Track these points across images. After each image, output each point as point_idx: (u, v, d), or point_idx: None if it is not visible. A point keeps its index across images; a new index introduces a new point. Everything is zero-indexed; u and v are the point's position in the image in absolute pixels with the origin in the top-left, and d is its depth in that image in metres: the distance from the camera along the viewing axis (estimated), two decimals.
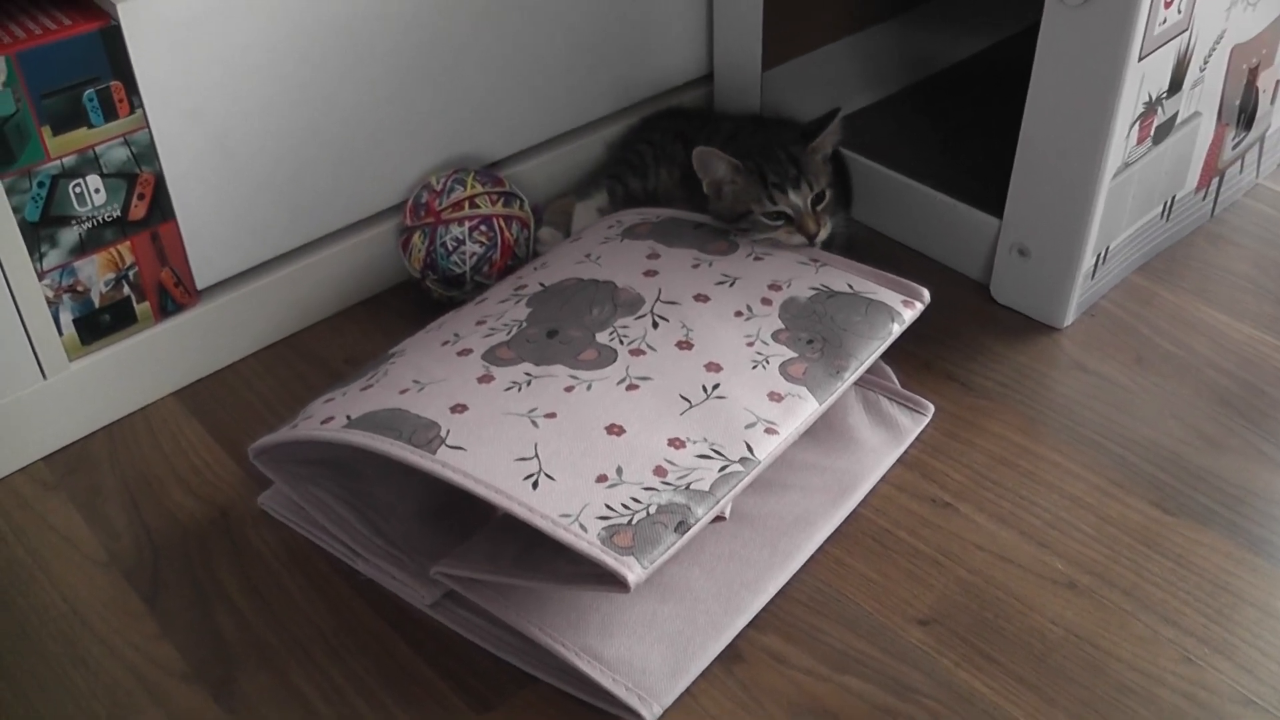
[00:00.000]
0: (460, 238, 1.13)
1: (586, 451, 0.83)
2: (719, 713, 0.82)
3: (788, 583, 0.91)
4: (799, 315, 0.98)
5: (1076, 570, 0.92)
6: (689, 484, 0.81)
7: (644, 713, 0.79)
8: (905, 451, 1.03)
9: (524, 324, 0.96)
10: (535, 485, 0.80)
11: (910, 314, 1.01)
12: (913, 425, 1.05)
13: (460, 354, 0.94)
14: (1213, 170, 1.29)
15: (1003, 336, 1.17)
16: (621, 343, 0.93)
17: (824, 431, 1.02)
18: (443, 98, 1.18)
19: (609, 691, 0.80)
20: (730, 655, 0.86)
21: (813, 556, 0.93)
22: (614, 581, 0.75)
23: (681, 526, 0.78)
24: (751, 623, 0.88)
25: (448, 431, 0.84)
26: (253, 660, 0.86)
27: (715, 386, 0.90)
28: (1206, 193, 1.31)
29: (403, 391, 0.89)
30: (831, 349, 0.95)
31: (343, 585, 0.92)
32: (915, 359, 1.12)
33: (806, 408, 0.90)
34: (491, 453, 0.82)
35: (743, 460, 0.84)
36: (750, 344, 0.94)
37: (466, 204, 1.14)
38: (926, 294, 1.03)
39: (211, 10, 0.99)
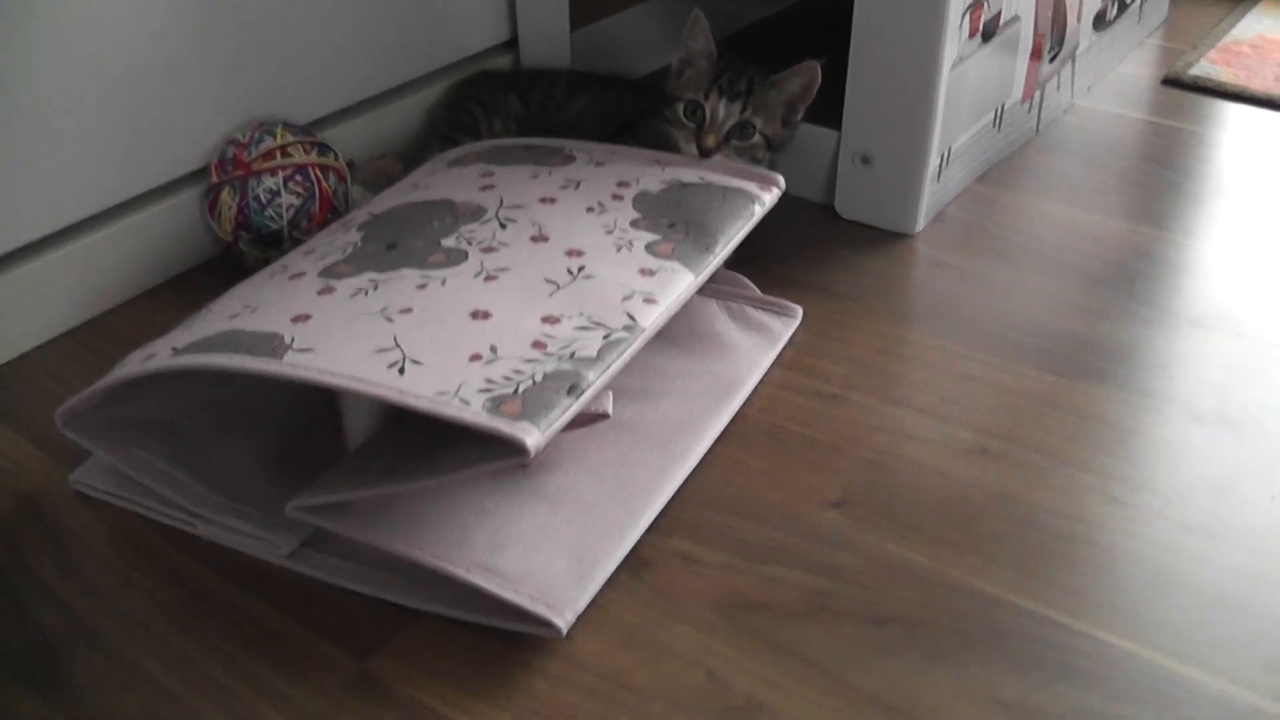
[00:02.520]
0: (274, 189, 1.03)
1: (454, 338, 0.73)
2: (637, 621, 0.73)
3: (684, 485, 0.83)
4: (654, 206, 0.92)
5: (984, 437, 0.87)
6: (573, 353, 0.73)
7: (555, 620, 0.69)
8: (780, 353, 0.97)
9: (359, 244, 0.86)
10: (402, 371, 0.70)
11: (769, 197, 0.95)
12: (783, 328, 0.99)
13: (293, 278, 0.83)
14: (1034, 82, 1.30)
15: (857, 247, 1.14)
16: (470, 244, 0.84)
17: (692, 340, 0.95)
18: (245, 54, 1.08)
19: (512, 604, 0.70)
20: (636, 562, 0.77)
21: (705, 458, 0.86)
22: (509, 452, 0.66)
23: (574, 390, 0.69)
24: (653, 528, 0.79)
25: (292, 339, 0.74)
26: (82, 647, 0.72)
27: (581, 269, 0.82)
28: (1031, 105, 1.32)
29: (233, 317, 0.78)
30: (696, 230, 0.88)
31: (180, 554, 0.79)
32: (773, 274, 1.07)
33: (682, 279, 0.83)
34: (346, 349, 0.72)
35: (626, 328, 0.76)
36: (609, 232, 0.87)
37: (278, 153, 1.04)
38: (781, 180, 0.98)
39: None
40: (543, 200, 0.91)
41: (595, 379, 0.71)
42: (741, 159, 1.08)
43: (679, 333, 0.95)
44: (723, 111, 1.07)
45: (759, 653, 0.71)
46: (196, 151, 1.07)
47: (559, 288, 0.79)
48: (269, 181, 1.03)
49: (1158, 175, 1.26)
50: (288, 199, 1.03)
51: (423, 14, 1.25)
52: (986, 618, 0.72)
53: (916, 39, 1.06)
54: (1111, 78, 1.51)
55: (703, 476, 0.85)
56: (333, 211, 1.06)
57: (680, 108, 1.08)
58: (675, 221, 0.89)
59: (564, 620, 0.70)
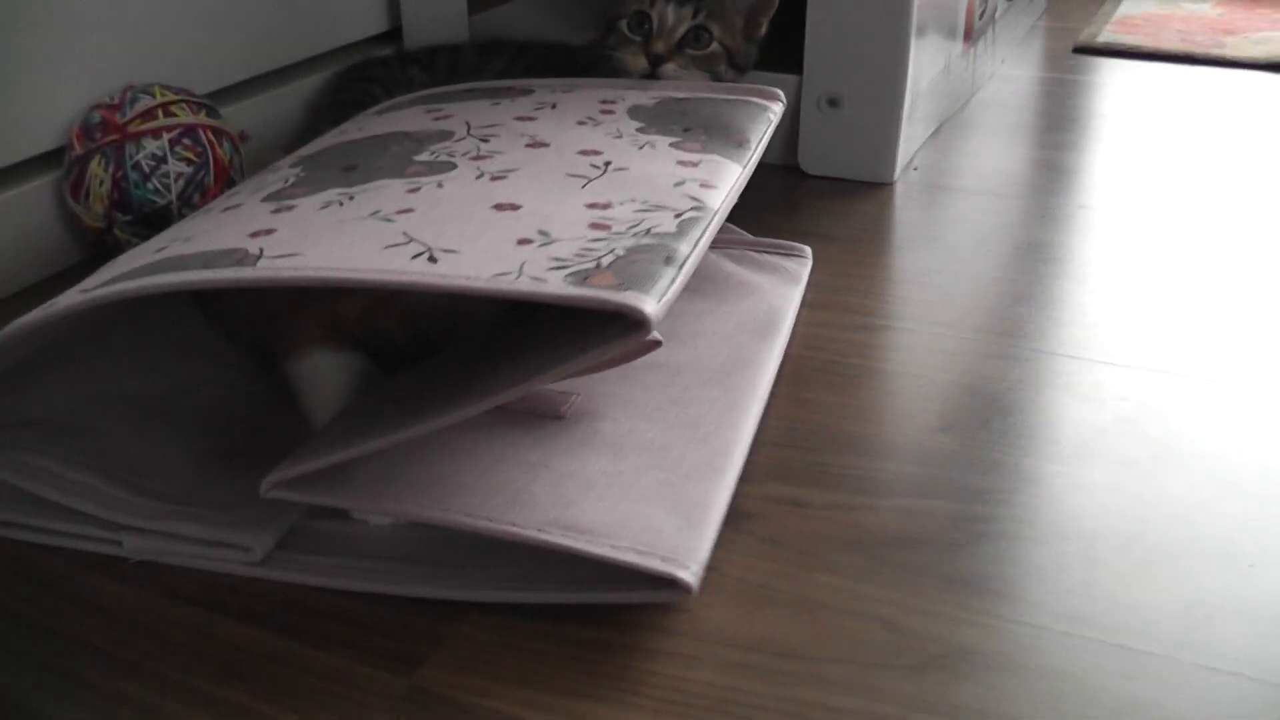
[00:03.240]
0: (159, 154, 0.82)
1: (484, 228, 0.55)
2: (761, 577, 0.55)
3: (758, 429, 0.66)
4: (656, 116, 0.76)
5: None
6: (649, 229, 0.55)
7: (681, 575, 0.51)
8: (805, 294, 0.82)
9: (301, 175, 0.67)
10: (433, 260, 0.51)
11: (777, 108, 0.81)
12: (798, 267, 0.85)
13: (227, 210, 0.63)
14: (972, 31, 1.22)
15: (836, 197, 1.01)
16: (452, 156, 0.67)
17: (704, 284, 0.79)
18: (105, 16, 0.87)
19: (615, 563, 0.51)
20: (732, 514, 0.59)
21: (769, 401, 0.69)
22: (614, 336, 0.48)
23: (671, 261, 0.52)
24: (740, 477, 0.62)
25: (260, 250, 0.54)
26: None
27: (607, 164, 0.65)
28: (968, 59, 1.23)
29: (159, 250, 0.58)
30: (718, 130, 0.73)
31: (105, 581, 0.57)
32: (761, 228, 0.92)
33: (729, 169, 0.67)
34: (343, 247, 0.53)
35: (695, 209, 0.59)
36: (618, 137, 0.71)
37: (160, 112, 0.83)
38: (781, 94, 0.83)
39: None
40: (519, 119, 0.75)
41: (688, 252, 0.54)
42: (700, 73, 0.93)
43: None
44: (672, 16, 0.92)
45: (931, 591, 0.54)
46: (47, 128, 0.86)
47: (589, 180, 0.62)
48: (151, 145, 0.82)
49: (1099, 118, 1.19)
50: (175, 166, 0.82)
51: None
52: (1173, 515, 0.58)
53: None
54: (1023, 51, 1.47)
55: (771, 418, 0.68)
56: (228, 183, 0.86)
57: (624, 24, 0.94)
58: (690, 126, 0.74)
59: (691, 574, 0.51)
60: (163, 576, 0.57)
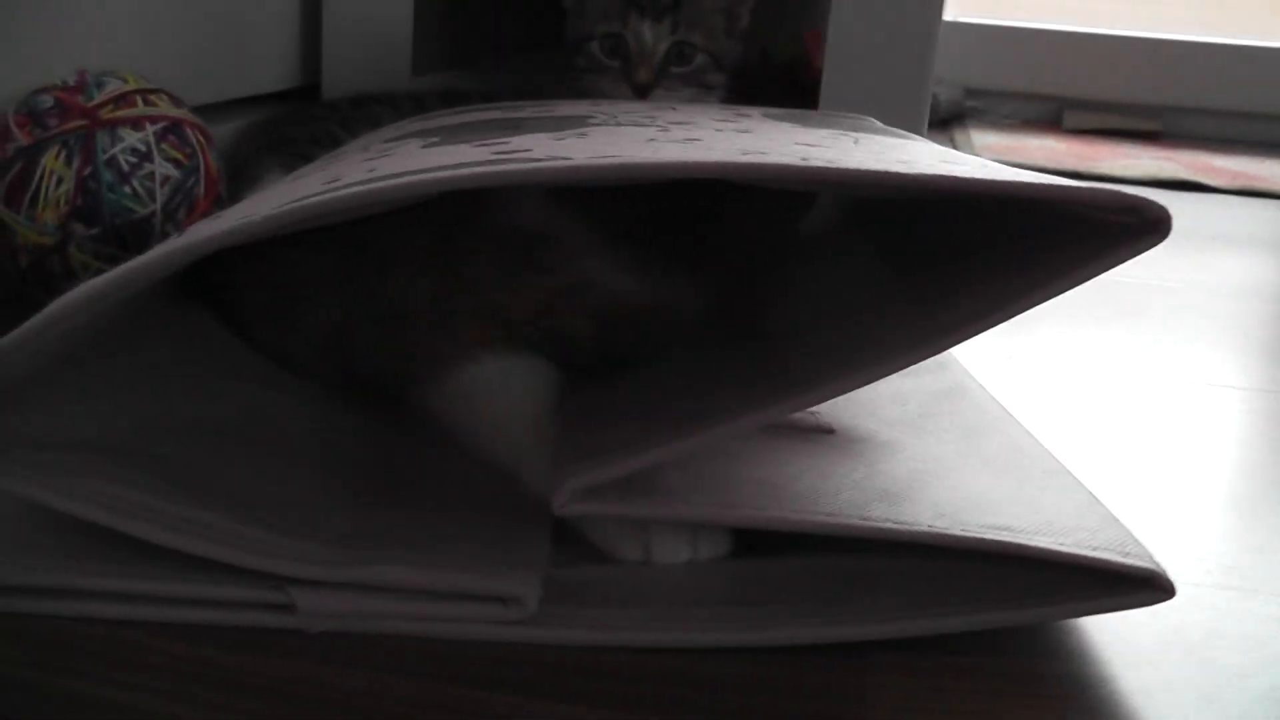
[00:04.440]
0: (142, 149, 0.63)
1: (755, 143, 0.42)
2: None
3: None
4: (800, 117, 0.64)
5: None
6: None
7: (1162, 573, 0.38)
8: None
9: (442, 138, 0.50)
10: (745, 153, 0.37)
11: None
12: None
13: (387, 154, 0.46)
14: None
15: None
16: (596, 124, 0.51)
17: None
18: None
19: (1089, 564, 0.38)
20: None
21: None
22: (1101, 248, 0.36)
23: None
24: None
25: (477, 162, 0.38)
26: None
27: (781, 121, 0.53)
28: None
29: (332, 182, 0.41)
30: (897, 136, 0.62)
31: (264, 661, 0.37)
32: None
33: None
34: (595, 149, 0.39)
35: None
36: (776, 120, 0.58)
37: (139, 99, 0.64)
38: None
39: None
40: (645, 113, 0.61)
41: None
42: (689, 91, 0.84)
43: None
44: (650, 35, 0.83)
45: None
46: None
47: (774, 132, 0.49)
48: (132, 138, 0.62)
49: None
50: (162, 167, 0.63)
51: (214, 39, 0.89)
52: None
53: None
54: None
55: None
56: (217, 202, 0.67)
57: (595, 46, 0.83)
58: (851, 129, 0.62)
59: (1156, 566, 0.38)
60: (352, 648, 0.37)
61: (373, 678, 0.36)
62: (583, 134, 0.45)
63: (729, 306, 0.54)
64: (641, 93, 0.82)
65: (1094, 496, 0.44)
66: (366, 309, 0.51)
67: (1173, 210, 0.36)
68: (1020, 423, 0.53)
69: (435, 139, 0.49)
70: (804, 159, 0.38)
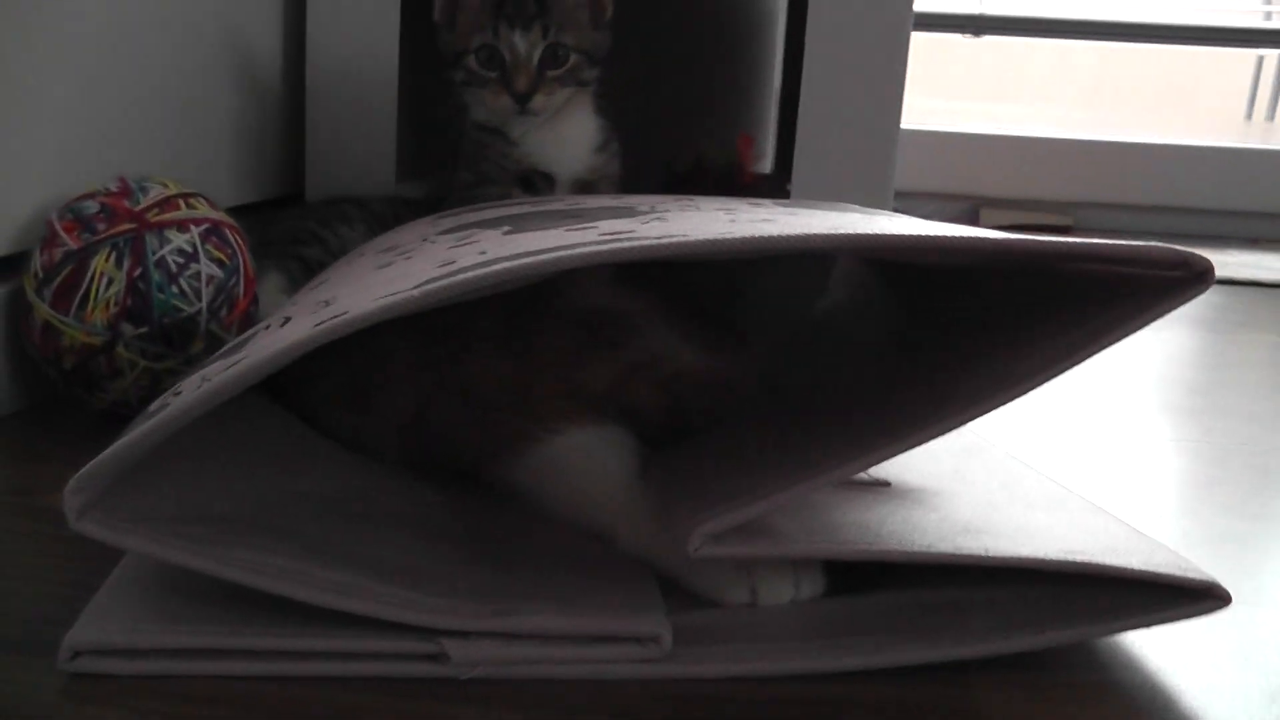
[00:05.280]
0: (189, 250, 0.65)
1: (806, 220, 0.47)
2: None
3: None
4: (808, 204, 0.69)
5: None
6: None
7: (1218, 584, 0.42)
8: None
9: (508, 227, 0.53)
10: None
11: None
12: None
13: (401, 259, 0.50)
14: None
15: None
16: (644, 213, 0.55)
17: None
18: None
19: (1154, 578, 0.42)
20: None
21: None
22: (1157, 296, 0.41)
23: None
24: None
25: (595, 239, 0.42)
26: None
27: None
28: None
29: (326, 304, 0.44)
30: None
31: (437, 707, 0.39)
32: None
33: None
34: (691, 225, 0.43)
35: None
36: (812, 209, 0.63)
37: (182, 203, 0.67)
38: None
39: None
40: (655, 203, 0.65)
41: None
42: (567, 91, 0.87)
43: None
44: (522, 44, 0.85)
45: None
46: None
47: (817, 214, 0.54)
48: (179, 239, 0.65)
49: None
50: (207, 268, 0.65)
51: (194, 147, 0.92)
52: None
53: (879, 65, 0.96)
54: None
55: None
56: (254, 303, 0.69)
57: (471, 60, 0.86)
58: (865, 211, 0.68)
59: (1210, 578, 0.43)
60: (512, 694, 0.40)
61: (527, 715, 0.39)
62: (661, 219, 0.49)
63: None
64: (523, 101, 0.84)
65: (1134, 528, 0.49)
66: (446, 392, 0.54)
67: None
68: (1040, 470, 0.58)
69: (508, 227, 0.52)
70: (882, 230, 0.43)
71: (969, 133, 1.79)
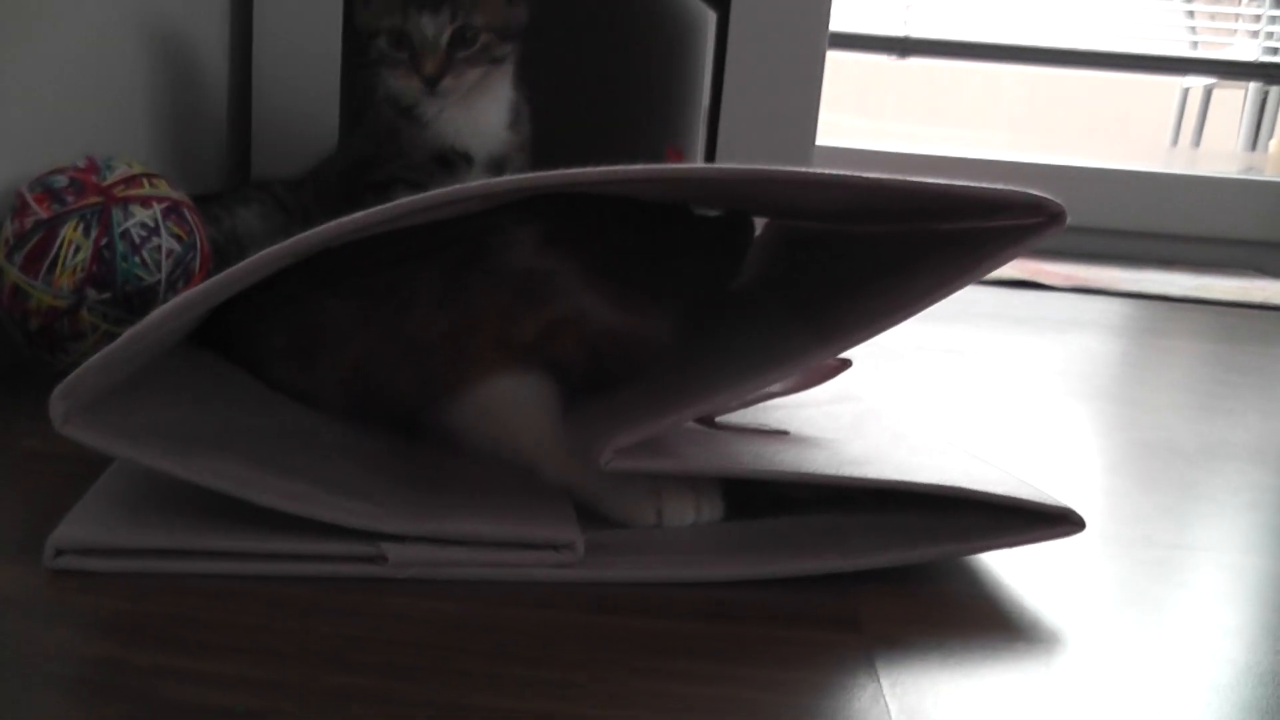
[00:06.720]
0: (151, 225, 0.70)
1: None
2: None
3: None
4: None
5: None
6: None
7: (1074, 510, 0.48)
8: None
9: None
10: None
11: None
12: None
13: None
14: None
15: None
16: None
17: None
18: None
19: (1015, 504, 0.48)
20: None
21: None
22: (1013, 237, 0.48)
23: None
24: None
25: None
26: None
27: None
28: None
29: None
30: None
31: (388, 597, 0.44)
32: None
33: None
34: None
35: None
36: None
37: (145, 182, 0.71)
38: None
39: None
40: None
41: None
42: (479, 70, 0.88)
43: None
44: (430, 27, 0.86)
45: None
46: None
47: None
48: (141, 214, 0.70)
49: None
50: (167, 242, 0.70)
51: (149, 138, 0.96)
52: None
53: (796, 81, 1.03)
54: None
55: None
56: (209, 276, 0.74)
57: (383, 41, 0.87)
58: None
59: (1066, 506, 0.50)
60: (452, 590, 0.45)
61: (450, 605, 0.44)
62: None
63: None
64: (431, 83, 0.86)
65: (1006, 470, 0.55)
66: (387, 345, 0.59)
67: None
68: (934, 429, 0.64)
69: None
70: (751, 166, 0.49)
71: (894, 152, 1.86)
